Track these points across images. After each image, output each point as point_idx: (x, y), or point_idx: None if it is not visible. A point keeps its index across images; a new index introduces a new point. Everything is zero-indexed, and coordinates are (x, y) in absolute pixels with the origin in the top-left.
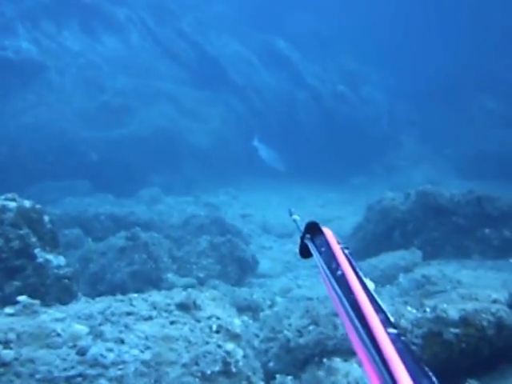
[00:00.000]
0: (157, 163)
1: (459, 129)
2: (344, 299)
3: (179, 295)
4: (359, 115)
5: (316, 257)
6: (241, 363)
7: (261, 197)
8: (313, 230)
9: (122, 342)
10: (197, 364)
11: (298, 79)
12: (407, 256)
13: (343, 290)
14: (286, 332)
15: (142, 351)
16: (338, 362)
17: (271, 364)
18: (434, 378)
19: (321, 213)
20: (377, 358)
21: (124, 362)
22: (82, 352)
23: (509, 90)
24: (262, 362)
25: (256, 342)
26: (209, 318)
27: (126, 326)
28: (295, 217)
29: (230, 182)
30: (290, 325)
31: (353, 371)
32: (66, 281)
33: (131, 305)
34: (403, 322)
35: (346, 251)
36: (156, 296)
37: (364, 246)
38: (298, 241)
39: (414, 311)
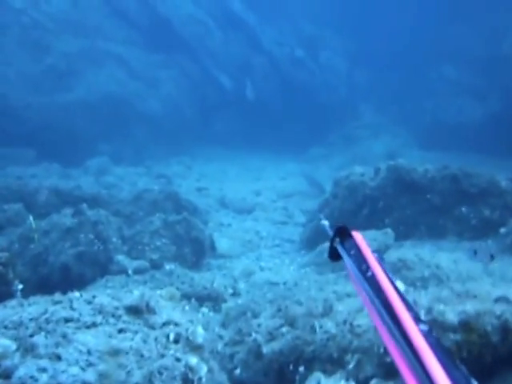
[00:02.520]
0: (106, 130)
1: (418, 98)
2: (375, 299)
3: (129, 296)
4: (318, 82)
5: (346, 260)
6: (204, 380)
7: (217, 167)
8: (342, 233)
9: (59, 358)
10: (151, 383)
11: (254, 43)
12: (379, 237)
13: (374, 291)
14: (254, 335)
15: (83, 369)
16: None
17: (238, 371)
18: (466, 372)
19: (282, 186)
20: (410, 354)
21: None
22: (5, 374)
23: (468, 58)
24: (227, 369)
25: (220, 345)
26: (165, 324)
27: (64, 337)
28: (324, 222)
29: (184, 150)
30: (259, 325)
31: None
32: (0, 268)
33: (71, 308)
34: None
35: (376, 254)
36: (101, 297)
37: (330, 225)
38: (259, 217)
39: None
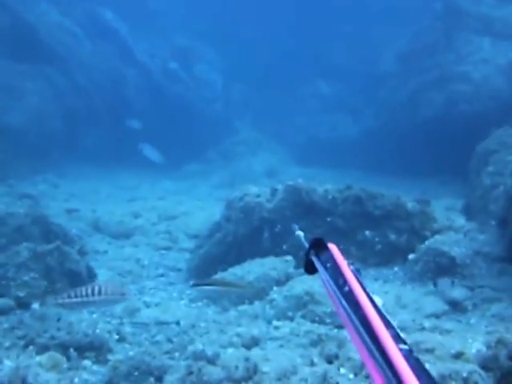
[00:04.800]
0: None
1: (292, 114)
2: (352, 315)
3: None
4: (193, 95)
5: (322, 273)
6: None
7: (87, 186)
8: (318, 245)
9: None
10: None
11: (126, 54)
12: (278, 265)
13: (351, 306)
14: None
15: None
16: None
17: None
18: None
19: (163, 207)
20: (389, 374)
21: None
22: None
23: (342, 74)
24: None
25: None
26: None
27: None
28: (299, 232)
29: (50, 167)
30: None
31: None
32: None
33: None
34: None
35: (352, 267)
36: None
37: (223, 251)
38: (139, 242)
39: (351, 375)
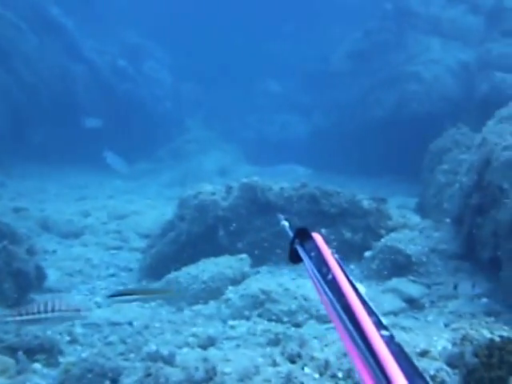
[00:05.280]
0: None
1: (243, 113)
2: (336, 303)
3: None
4: (142, 93)
5: (306, 262)
6: None
7: (35, 185)
8: (302, 235)
9: None
10: None
11: (74, 50)
12: (234, 263)
13: (334, 294)
14: None
15: None
16: None
17: None
18: (427, 379)
19: (113, 206)
20: (371, 360)
21: None
22: None
23: (290, 74)
24: None
25: None
26: None
27: None
28: (284, 222)
29: None
30: None
31: None
32: None
33: None
34: None
35: (336, 256)
36: None
37: (176, 250)
38: (89, 242)
39: (316, 375)
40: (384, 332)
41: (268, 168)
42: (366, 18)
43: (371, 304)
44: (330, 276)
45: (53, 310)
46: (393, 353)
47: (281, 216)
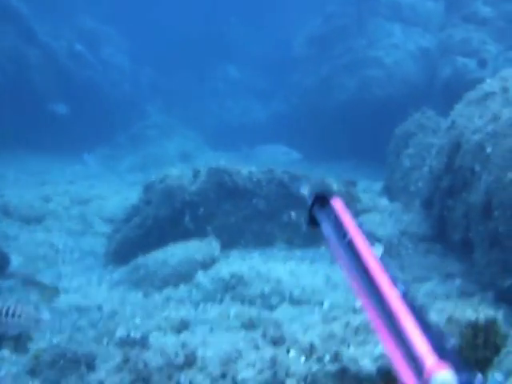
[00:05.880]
0: None
1: (203, 98)
2: (354, 265)
3: None
4: (100, 78)
5: (324, 226)
6: None
7: None
8: (321, 200)
9: None
10: None
11: (28, 35)
12: (203, 247)
13: (352, 256)
14: None
15: None
16: None
17: None
18: (441, 332)
19: (75, 191)
20: (387, 314)
21: None
22: None
23: (249, 59)
24: None
25: None
26: None
27: None
28: (303, 190)
29: None
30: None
31: None
32: None
33: None
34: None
35: (355, 220)
36: None
37: (142, 235)
38: (52, 227)
39: (303, 358)
40: (399, 288)
41: (257, 148)
42: (327, 1)
43: (385, 264)
44: (347, 239)
45: (13, 316)
46: (408, 306)
47: (300, 184)
